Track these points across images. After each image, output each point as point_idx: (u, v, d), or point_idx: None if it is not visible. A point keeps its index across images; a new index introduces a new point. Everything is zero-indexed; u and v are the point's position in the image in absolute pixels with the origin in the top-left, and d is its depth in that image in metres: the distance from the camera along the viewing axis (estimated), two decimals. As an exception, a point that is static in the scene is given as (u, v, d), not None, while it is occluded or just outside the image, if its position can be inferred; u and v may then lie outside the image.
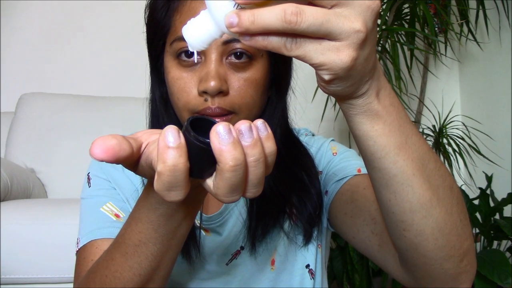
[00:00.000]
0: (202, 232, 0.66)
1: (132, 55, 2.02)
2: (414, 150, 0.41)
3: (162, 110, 0.66)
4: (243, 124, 0.33)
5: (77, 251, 0.62)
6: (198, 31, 0.35)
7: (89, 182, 0.67)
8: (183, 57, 0.59)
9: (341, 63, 0.32)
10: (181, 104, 0.60)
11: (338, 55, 0.32)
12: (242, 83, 0.59)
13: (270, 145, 0.34)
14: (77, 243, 0.62)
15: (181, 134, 0.33)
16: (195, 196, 0.41)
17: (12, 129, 1.75)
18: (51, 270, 1.16)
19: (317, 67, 0.33)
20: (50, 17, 2.03)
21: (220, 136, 0.32)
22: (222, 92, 0.57)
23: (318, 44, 0.32)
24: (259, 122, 0.34)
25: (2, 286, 1.16)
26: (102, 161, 0.33)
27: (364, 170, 0.67)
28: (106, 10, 2.05)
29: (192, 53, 0.59)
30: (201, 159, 0.33)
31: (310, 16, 0.31)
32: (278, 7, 0.31)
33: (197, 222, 0.65)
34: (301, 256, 0.68)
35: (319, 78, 0.35)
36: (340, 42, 0.32)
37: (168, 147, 0.32)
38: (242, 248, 0.66)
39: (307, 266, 0.68)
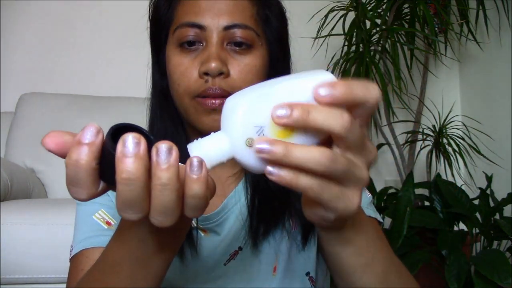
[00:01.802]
0: (200, 233, 0.66)
1: (132, 55, 2.02)
2: (378, 265, 0.46)
3: (163, 104, 0.67)
4: (163, 143, 0.31)
5: (70, 259, 0.62)
6: (207, 148, 0.35)
7: None
8: (186, 46, 0.60)
9: (353, 208, 0.36)
10: (182, 90, 0.60)
11: (351, 200, 0.35)
12: (242, 67, 0.60)
13: (196, 188, 0.32)
14: (71, 251, 0.62)
15: (99, 135, 0.32)
16: (170, 229, 0.38)
17: (12, 129, 1.75)
18: (51, 270, 1.16)
19: (330, 208, 0.36)
20: (50, 17, 2.03)
21: (124, 145, 0.30)
22: (222, 74, 0.58)
23: (339, 189, 0.35)
24: (195, 160, 0.32)
25: (2, 286, 1.16)
26: (50, 151, 0.33)
27: (368, 212, 0.66)
28: (107, 10, 2.05)
29: (194, 42, 0.60)
30: (110, 165, 0.32)
31: (341, 163, 0.33)
32: (316, 149, 0.33)
33: (194, 223, 0.65)
34: (302, 264, 0.67)
35: (320, 216, 0.38)
36: (355, 188, 0.36)
37: (78, 142, 0.32)
38: (240, 248, 0.65)
39: (307, 273, 0.67)
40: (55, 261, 1.15)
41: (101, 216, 0.63)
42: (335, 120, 0.32)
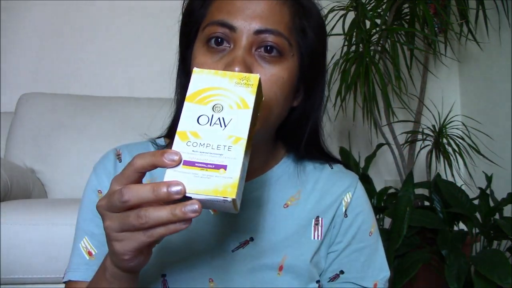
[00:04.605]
0: (210, 211, 0.63)
1: (132, 55, 2.02)
2: None
3: None
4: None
5: (63, 282, 0.65)
6: None
7: (83, 200, 0.67)
8: (212, 43, 0.57)
9: None
10: None
11: None
12: (268, 77, 0.56)
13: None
14: (64, 275, 0.65)
15: None
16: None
17: (12, 129, 1.75)
18: (51, 270, 1.16)
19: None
20: (50, 17, 2.02)
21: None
22: None
23: None
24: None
25: (2, 286, 1.16)
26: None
27: (381, 284, 0.66)
28: (107, 10, 2.05)
29: (222, 41, 0.57)
30: None
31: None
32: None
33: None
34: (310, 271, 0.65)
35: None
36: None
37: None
38: (251, 239, 0.63)
39: (317, 281, 0.65)
40: (55, 261, 1.15)
41: (85, 245, 0.64)
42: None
